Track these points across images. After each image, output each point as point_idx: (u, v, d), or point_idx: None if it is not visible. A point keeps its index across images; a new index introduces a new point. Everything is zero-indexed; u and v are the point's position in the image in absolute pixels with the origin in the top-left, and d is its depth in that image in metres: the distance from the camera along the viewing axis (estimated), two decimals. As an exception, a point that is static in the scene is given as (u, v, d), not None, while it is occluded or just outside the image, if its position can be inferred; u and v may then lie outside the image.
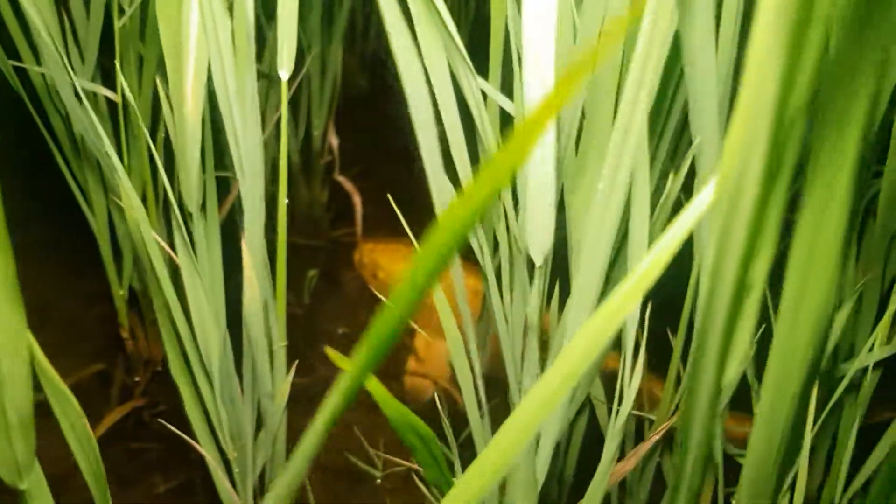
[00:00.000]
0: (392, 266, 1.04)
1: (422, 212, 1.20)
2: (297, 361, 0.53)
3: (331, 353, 0.21)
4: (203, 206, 0.45)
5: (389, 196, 0.51)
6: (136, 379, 0.85)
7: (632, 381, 0.38)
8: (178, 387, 0.53)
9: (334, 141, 0.93)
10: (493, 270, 0.43)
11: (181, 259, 0.41)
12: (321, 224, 1.08)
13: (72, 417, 0.31)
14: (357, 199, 0.93)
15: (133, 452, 0.79)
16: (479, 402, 0.48)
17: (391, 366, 0.93)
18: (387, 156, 1.15)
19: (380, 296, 1.02)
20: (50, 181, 0.83)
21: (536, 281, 0.35)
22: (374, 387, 0.24)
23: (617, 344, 0.43)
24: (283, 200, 0.40)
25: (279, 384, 0.49)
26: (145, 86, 0.68)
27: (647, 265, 0.20)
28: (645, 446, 0.50)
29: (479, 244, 0.43)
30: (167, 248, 0.45)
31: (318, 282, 1.01)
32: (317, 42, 0.95)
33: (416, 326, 0.97)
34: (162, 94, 0.41)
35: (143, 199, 0.74)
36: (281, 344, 0.47)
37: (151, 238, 0.43)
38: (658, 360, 0.58)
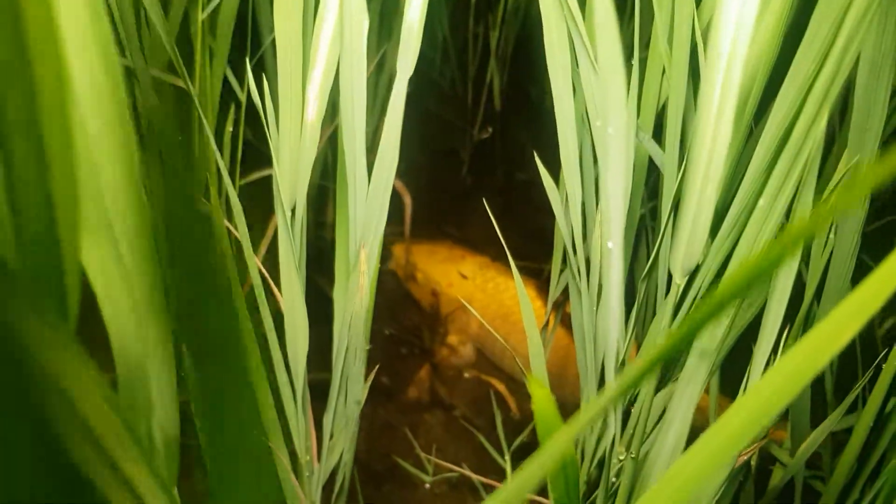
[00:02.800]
0: (429, 268, 1.03)
1: (465, 212, 1.19)
2: (377, 366, 0.52)
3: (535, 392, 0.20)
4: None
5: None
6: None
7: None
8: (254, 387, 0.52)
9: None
10: (587, 289, 0.42)
11: (283, 258, 0.40)
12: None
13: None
14: (408, 199, 0.92)
15: (183, 448, 0.79)
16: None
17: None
18: (431, 155, 1.15)
19: (415, 297, 1.02)
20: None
21: (671, 299, 0.34)
22: (543, 396, 0.23)
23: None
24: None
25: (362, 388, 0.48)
26: (215, 79, 0.67)
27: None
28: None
29: (577, 264, 0.42)
30: (258, 262, 0.44)
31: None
32: (373, 36, 0.95)
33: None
34: (265, 94, 0.41)
35: (206, 191, 0.73)
36: (366, 347, 0.47)
37: (248, 242, 0.42)
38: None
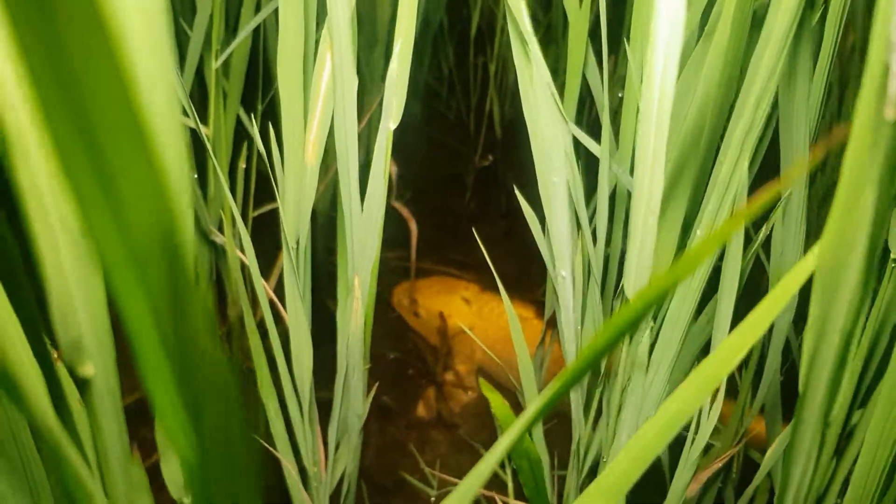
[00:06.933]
0: (430, 301, 1.06)
1: (470, 236, 1.23)
2: (377, 384, 0.56)
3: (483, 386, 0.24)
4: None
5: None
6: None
7: (710, 413, 0.41)
8: (263, 403, 0.57)
9: (392, 168, 0.97)
10: (572, 304, 0.46)
11: (288, 290, 0.45)
12: (374, 247, 1.12)
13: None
14: (413, 226, 0.96)
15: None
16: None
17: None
18: (438, 180, 1.20)
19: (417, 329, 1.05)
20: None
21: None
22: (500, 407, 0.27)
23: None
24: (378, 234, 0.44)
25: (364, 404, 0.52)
26: (229, 118, 0.72)
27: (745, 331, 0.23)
28: (706, 473, 0.52)
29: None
30: (266, 287, 0.49)
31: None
32: (379, 67, 1.00)
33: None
34: (269, 139, 0.45)
35: (220, 226, 0.78)
36: (365, 366, 0.51)
37: (258, 273, 0.47)
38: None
